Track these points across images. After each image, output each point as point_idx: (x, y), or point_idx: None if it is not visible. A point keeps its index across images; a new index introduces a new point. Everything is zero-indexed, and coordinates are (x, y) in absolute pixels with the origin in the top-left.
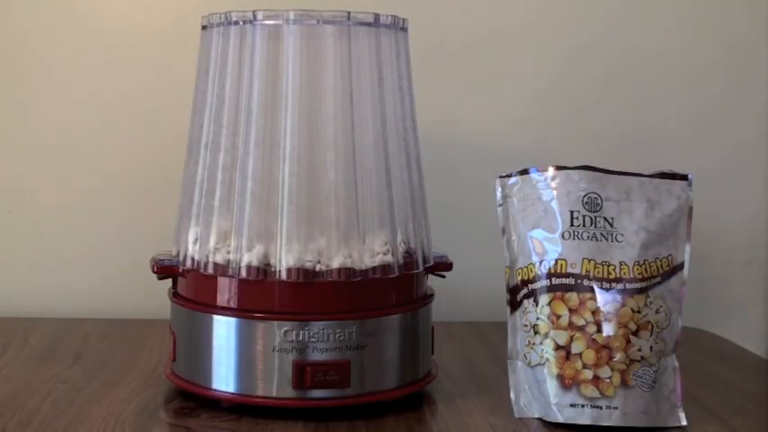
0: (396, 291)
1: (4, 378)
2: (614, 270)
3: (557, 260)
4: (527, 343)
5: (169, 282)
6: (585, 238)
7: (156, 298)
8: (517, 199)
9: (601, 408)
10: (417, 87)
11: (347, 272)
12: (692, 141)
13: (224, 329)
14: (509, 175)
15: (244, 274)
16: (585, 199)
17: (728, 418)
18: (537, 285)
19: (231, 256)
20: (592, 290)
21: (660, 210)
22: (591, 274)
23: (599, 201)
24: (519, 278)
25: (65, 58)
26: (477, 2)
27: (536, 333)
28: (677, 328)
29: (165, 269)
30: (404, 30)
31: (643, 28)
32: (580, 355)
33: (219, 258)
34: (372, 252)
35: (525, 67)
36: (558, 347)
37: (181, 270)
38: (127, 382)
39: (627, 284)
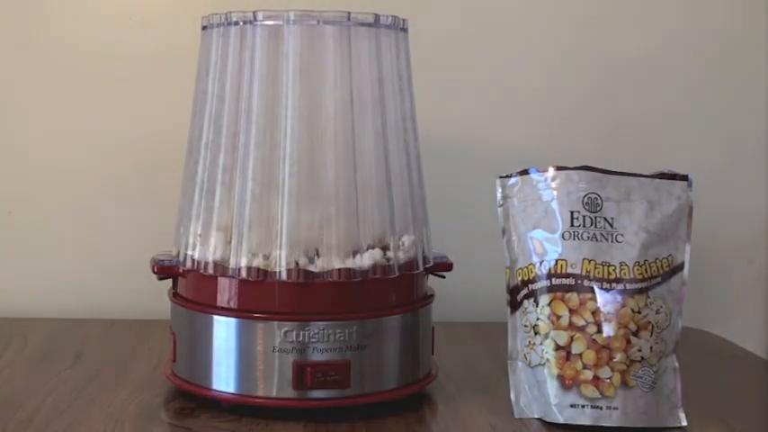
0: (396, 291)
1: (4, 378)
2: (614, 270)
3: (557, 260)
4: (527, 343)
5: (169, 282)
6: (586, 238)
7: (156, 298)
8: (517, 199)
9: (601, 408)
10: (417, 87)
11: (347, 272)
12: (692, 141)
13: (224, 330)
14: (509, 176)
15: (244, 274)
16: (586, 199)
17: (728, 418)
18: (537, 286)
19: (231, 257)
20: (592, 290)
21: (660, 210)
22: (591, 275)
23: (599, 201)
24: (519, 278)
25: (64, 58)
26: (477, 2)
27: (536, 333)
28: (677, 328)
29: (165, 269)
30: (404, 30)
31: (643, 28)
32: (580, 355)
33: (219, 258)
34: (372, 252)
35: (525, 66)
36: (558, 348)
37: (181, 270)
38: (127, 383)
39: (627, 285)
